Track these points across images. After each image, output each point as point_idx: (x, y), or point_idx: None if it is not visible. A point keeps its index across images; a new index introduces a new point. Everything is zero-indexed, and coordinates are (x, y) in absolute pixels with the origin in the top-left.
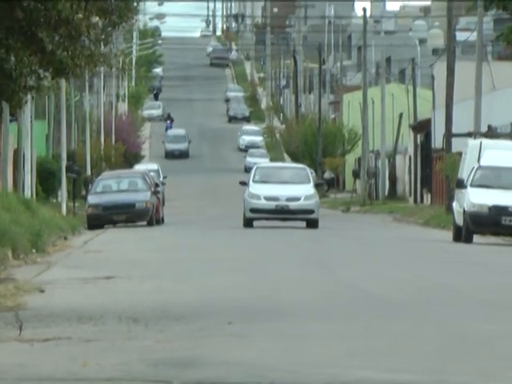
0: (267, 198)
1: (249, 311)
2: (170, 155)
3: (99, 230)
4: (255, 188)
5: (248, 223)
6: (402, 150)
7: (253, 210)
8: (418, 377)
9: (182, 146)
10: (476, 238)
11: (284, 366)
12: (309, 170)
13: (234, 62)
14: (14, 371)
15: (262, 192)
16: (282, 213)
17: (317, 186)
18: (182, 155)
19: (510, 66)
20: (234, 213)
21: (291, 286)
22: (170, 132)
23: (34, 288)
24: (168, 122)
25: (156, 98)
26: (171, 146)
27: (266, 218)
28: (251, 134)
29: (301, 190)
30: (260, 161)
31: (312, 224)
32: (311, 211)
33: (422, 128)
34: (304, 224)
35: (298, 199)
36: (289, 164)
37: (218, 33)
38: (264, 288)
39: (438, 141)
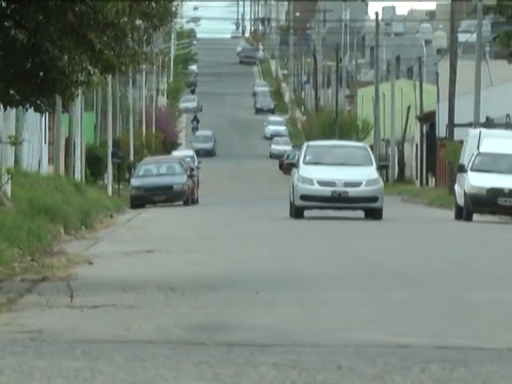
0: (321, 183)
1: (273, 281)
2: (197, 153)
3: (141, 209)
4: (307, 171)
5: (298, 213)
6: (410, 139)
7: (304, 198)
8: (421, 340)
9: (208, 145)
10: (475, 216)
11: (304, 330)
12: (370, 150)
13: (260, 61)
14: (66, 334)
15: (315, 175)
16: (340, 201)
17: (381, 168)
18: (208, 153)
19: (505, 64)
20: (261, 194)
21: (310, 260)
22: (199, 133)
23: (84, 260)
24: (194, 122)
25: (193, 92)
26: (198, 146)
27: (320, 207)
28: (276, 124)
29: (362, 174)
30: (284, 148)
31: (374, 214)
32: (374, 199)
33: (428, 119)
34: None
35: (358, 184)
36: (346, 142)
37: (247, 34)
38: (286, 261)
39: (441, 130)
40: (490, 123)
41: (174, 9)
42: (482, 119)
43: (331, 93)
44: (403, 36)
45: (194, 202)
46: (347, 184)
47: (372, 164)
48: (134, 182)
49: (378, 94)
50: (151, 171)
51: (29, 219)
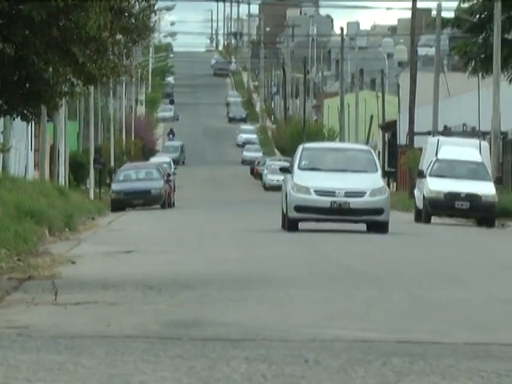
0: (320, 192)
1: (244, 280)
2: None
3: (121, 212)
4: (302, 178)
5: (291, 225)
6: (373, 146)
7: (299, 209)
8: (383, 335)
9: (175, 155)
10: (433, 219)
11: (274, 325)
12: (374, 153)
13: (233, 73)
14: (50, 330)
15: (312, 183)
16: (340, 213)
17: (387, 175)
18: (175, 163)
19: (462, 76)
20: (233, 198)
21: (281, 261)
22: (168, 143)
23: (67, 260)
24: (170, 136)
25: (171, 102)
26: (167, 155)
27: (317, 220)
28: (247, 132)
29: (365, 182)
30: (255, 155)
31: (379, 228)
32: (379, 211)
33: (390, 128)
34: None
35: (361, 194)
36: (347, 144)
37: (220, 48)
38: (258, 261)
39: (402, 138)
40: (447, 132)
41: (152, 24)
42: (440, 128)
43: (299, 103)
44: (367, 50)
45: (171, 205)
46: (349, 194)
47: (377, 170)
48: (115, 186)
49: (343, 104)
50: (130, 176)
51: (15, 222)
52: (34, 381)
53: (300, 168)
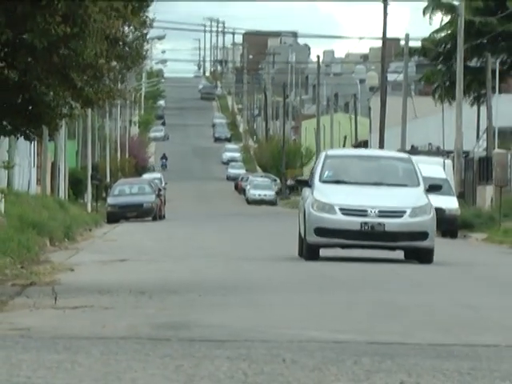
0: (347, 211)
1: (227, 286)
2: None
3: (116, 223)
4: (325, 193)
5: (311, 253)
6: None
7: (321, 232)
8: (353, 336)
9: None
10: None
11: (254, 327)
12: (415, 163)
13: (219, 96)
14: (50, 332)
15: (337, 200)
16: (373, 237)
17: (432, 189)
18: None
19: (428, 100)
20: (219, 211)
21: (260, 268)
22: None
23: (66, 268)
24: (164, 160)
25: (163, 124)
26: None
27: (344, 246)
28: (232, 151)
29: (405, 198)
30: (239, 172)
31: (422, 255)
32: (423, 235)
33: (362, 147)
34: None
35: (400, 214)
36: (380, 151)
37: (207, 74)
38: (240, 269)
39: None
40: (414, 151)
41: (144, 52)
42: (408, 147)
43: (279, 124)
44: (341, 76)
45: (161, 217)
46: (384, 213)
47: (419, 184)
48: (110, 200)
49: (319, 125)
50: (125, 191)
51: (19, 232)
52: (34, 378)
53: (322, 180)
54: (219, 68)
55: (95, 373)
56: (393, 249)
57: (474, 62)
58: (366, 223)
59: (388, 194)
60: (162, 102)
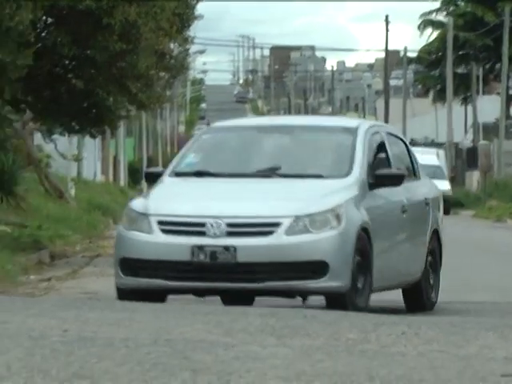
0: (170, 227)
1: None
2: None
3: None
4: (159, 195)
5: (122, 296)
6: None
7: (128, 266)
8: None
9: None
10: None
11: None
12: (364, 135)
13: (250, 100)
14: (112, 295)
15: (159, 207)
16: (215, 275)
17: (383, 180)
18: None
19: (424, 101)
20: None
21: None
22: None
23: None
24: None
25: (208, 123)
26: None
27: (169, 291)
28: None
29: (291, 200)
30: None
31: (331, 302)
32: (317, 267)
33: None
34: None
35: (267, 229)
36: (305, 118)
37: (241, 81)
38: None
39: None
40: (413, 143)
41: (187, 64)
42: (407, 140)
43: None
44: (351, 82)
45: None
46: (235, 227)
47: (350, 173)
48: None
49: None
50: None
51: (87, 213)
52: (99, 333)
53: (176, 172)
54: (250, 77)
55: (150, 328)
56: (258, 294)
57: (461, 69)
58: (200, 248)
59: (267, 194)
60: (203, 105)
